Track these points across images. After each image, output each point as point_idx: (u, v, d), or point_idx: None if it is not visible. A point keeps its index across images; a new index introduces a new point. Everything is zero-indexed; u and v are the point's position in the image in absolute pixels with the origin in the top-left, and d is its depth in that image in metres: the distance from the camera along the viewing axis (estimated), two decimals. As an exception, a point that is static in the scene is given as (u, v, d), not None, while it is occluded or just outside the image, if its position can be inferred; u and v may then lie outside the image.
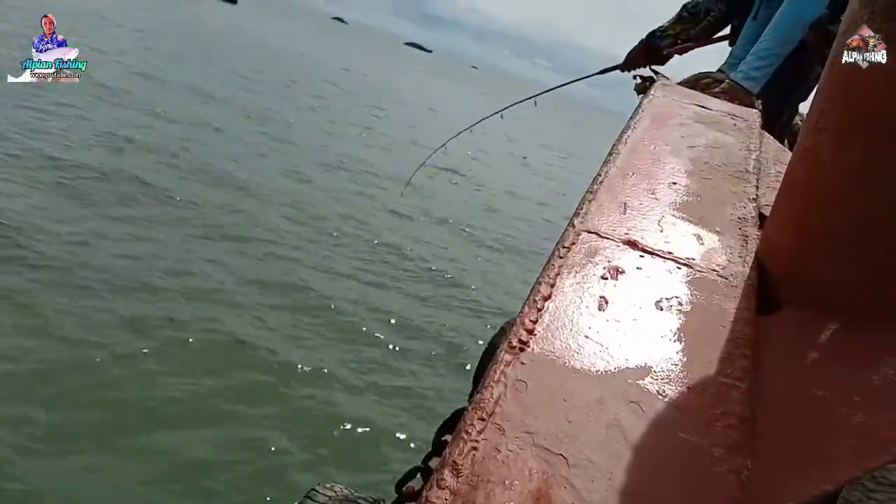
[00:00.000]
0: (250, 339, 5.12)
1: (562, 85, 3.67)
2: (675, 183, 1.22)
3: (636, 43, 3.01)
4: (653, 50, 2.94)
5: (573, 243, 0.97)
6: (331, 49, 49.08)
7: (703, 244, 1.03)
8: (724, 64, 2.67)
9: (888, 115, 0.77)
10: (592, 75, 3.40)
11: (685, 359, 0.79)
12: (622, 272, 0.93)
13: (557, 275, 0.90)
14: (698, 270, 0.96)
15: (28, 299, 4.71)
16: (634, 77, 2.73)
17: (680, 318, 0.86)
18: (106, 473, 3.51)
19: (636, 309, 0.87)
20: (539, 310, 0.83)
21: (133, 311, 4.96)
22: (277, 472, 3.91)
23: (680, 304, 0.89)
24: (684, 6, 2.91)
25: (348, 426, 4.52)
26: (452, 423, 1.24)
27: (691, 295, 0.91)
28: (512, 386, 0.71)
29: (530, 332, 0.79)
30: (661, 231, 1.05)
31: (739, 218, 1.13)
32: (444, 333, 6.43)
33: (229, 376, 4.62)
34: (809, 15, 2.25)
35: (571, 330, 0.81)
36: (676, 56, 3.01)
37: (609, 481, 0.62)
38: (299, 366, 5.00)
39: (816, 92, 0.92)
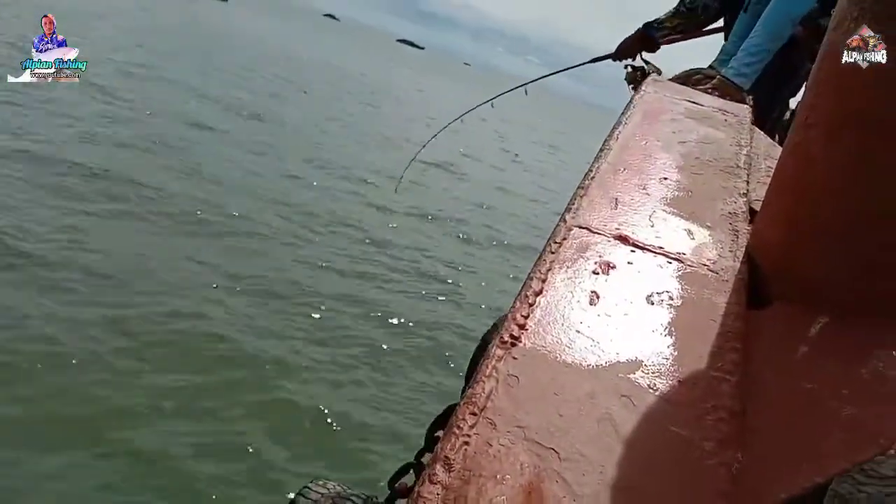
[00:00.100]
0: (237, 336, 5.10)
1: (554, 73, 3.71)
2: (666, 178, 1.22)
3: (631, 32, 3.04)
4: (648, 40, 2.96)
5: (564, 239, 0.97)
6: (323, 46, 48.93)
7: (693, 239, 1.03)
8: (715, 60, 2.68)
9: (878, 110, 0.77)
10: (584, 63, 3.44)
11: (676, 353, 0.79)
12: (613, 267, 0.93)
13: (549, 270, 0.90)
14: (689, 265, 0.96)
15: (2, 296, 4.67)
16: (626, 66, 2.75)
17: (671, 313, 0.86)
18: (87, 472, 3.48)
19: (627, 304, 0.87)
20: (531, 305, 0.83)
21: (117, 308, 4.93)
22: (266, 470, 3.88)
23: (671, 298, 0.89)
24: (682, 1, 2.93)
25: (340, 423, 4.51)
26: (445, 419, 1.24)
27: (682, 289, 0.91)
28: (504, 380, 0.71)
29: (522, 326, 0.79)
30: (652, 226, 1.05)
31: (730, 213, 1.13)
32: (435, 330, 6.43)
33: (216, 373, 4.60)
34: (798, 11, 2.26)
35: (563, 325, 0.81)
36: (667, 52, 3.03)
37: (600, 475, 0.63)
38: (289, 363, 4.98)
39: (806, 87, 0.92)
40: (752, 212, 1.15)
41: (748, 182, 1.27)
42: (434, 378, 5.54)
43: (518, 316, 0.81)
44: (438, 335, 6.33)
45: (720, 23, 3.04)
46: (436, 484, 0.60)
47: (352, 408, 4.72)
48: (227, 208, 7.77)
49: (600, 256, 0.95)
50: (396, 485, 1.40)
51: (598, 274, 0.91)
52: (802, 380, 0.74)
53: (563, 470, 0.62)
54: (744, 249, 1.02)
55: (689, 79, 2.26)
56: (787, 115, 2.86)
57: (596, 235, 0.99)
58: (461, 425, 0.65)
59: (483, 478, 0.60)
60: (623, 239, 1.00)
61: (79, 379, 4.11)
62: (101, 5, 22.39)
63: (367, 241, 8.33)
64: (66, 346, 4.34)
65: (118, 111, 10.51)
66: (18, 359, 4.10)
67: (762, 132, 1.76)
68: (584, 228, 1.00)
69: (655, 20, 2.98)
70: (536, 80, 3.68)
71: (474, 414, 0.67)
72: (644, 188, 1.17)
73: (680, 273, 0.94)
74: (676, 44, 3.12)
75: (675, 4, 2.97)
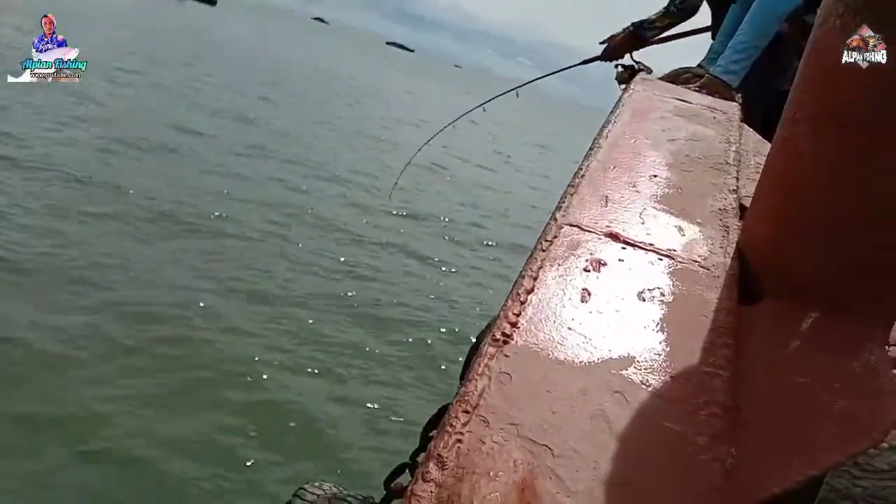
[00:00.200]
0: (223, 339, 5.07)
1: (545, 76, 3.73)
2: (655, 176, 1.23)
3: (619, 31, 3.05)
4: (639, 39, 2.97)
5: (555, 237, 0.97)
6: (312, 49, 48.87)
7: (684, 236, 1.04)
8: (703, 59, 2.69)
9: (865, 106, 0.78)
10: (575, 66, 3.46)
11: (668, 349, 0.79)
12: (604, 264, 0.93)
13: (540, 268, 0.90)
14: (680, 261, 0.97)
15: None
16: (616, 66, 2.76)
17: (662, 309, 0.86)
18: (70, 475, 3.44)
19: (619, 300, 0.87)
20: (522, 303, 0.83)
21: (100, 312, 4.89)
22: (253, 473, 3.84)
23: (662, 294, 0.89)
24: (672, 1, 2.95)
25: (329, 425, 4.49)
26: (439, 419, 1.24)
27: (673, 286, 0.91)
28: (496, 378, 0.71)
29: (514, 324, 0.79)
30: (643, 223, 1.05)
31: (720, 209, 1.13)
32: (429, 332, 6.42)
33: (202, 376, 4.56)
34: (783, 8, 2.27)
35: (555, 322, 0.81)
36: (656, 52, 3.05)
37: (594, 471, 0.62)
38: (278, 365, 4.96)
39: (794, 83, 0.92)
40: (741, 208, 1.15)
41: (738, 178, 1.28)
42: (427, 379, 5.52)
43: (510, 314, 0.81)
44: (430, 336, 6.32)
45: (708, 22, 3.07)
46: (429, 482, 0.59)
47: (341, 410, 4.70)
48: (214, 211, 7.73)
49: (591, 254, 0.95)
50: (392, 485, 1.40)
51: (589, 271, 0.91)
52: (794, 374, 0.75)
53: (556, 466, 0.62)
54: (734, 245, 1.02)
55: (678, 77, 2.27)
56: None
57: (587, 233, 1.00)
58: (454, 423, 0.65)
59: (476, 475, 0.60)
60: (614, 236, 1.00)
61: (61, 382, 4.06)
62: (90, 6, 22.28)
63: (357, 242, 8.31)
64: (49, 350, 4.30)
65: (102, 114, 10.45)
66: (-1, 362, 4.05)
67: (751, 129, 1.77)
68: (574, 226, 1.01)
69: (647, 20, 3.00)
70: (527, 83, 3.69)
71: (467, 412, 0.66)
72: (634, 186, 1.17)
73: (671, 269, 0.95)
74: (665, 44, 3.15)
75: (664, 4, 2.98)
